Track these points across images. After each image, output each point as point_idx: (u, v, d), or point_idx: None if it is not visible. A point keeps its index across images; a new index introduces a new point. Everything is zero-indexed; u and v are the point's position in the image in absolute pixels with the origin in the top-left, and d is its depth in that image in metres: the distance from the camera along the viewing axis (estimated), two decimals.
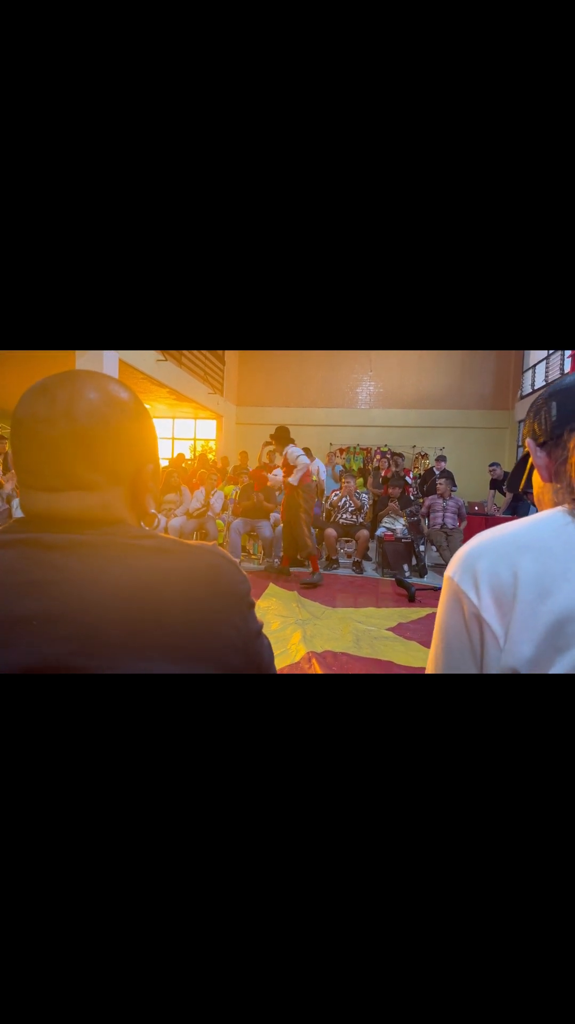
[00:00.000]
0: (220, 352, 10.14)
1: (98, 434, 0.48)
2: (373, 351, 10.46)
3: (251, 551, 5.93)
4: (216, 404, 10.08)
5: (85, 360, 5.59)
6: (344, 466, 8.92)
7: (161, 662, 0.43)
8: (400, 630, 3.42)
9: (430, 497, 5.89)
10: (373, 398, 11.19)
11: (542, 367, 8.99)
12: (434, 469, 7.43)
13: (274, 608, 3.79)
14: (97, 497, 0.49)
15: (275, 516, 5.52)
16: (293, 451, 4.69)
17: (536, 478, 0.63)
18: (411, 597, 4.23)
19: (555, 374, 8.42)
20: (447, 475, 6.32)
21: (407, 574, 5.18)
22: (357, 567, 5.35)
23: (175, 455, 9.12)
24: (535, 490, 0.64)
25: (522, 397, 10.05)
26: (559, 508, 0.52)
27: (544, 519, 0.52)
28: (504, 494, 6.71)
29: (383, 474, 7.19)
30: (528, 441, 0.62)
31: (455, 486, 6.10)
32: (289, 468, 4.69)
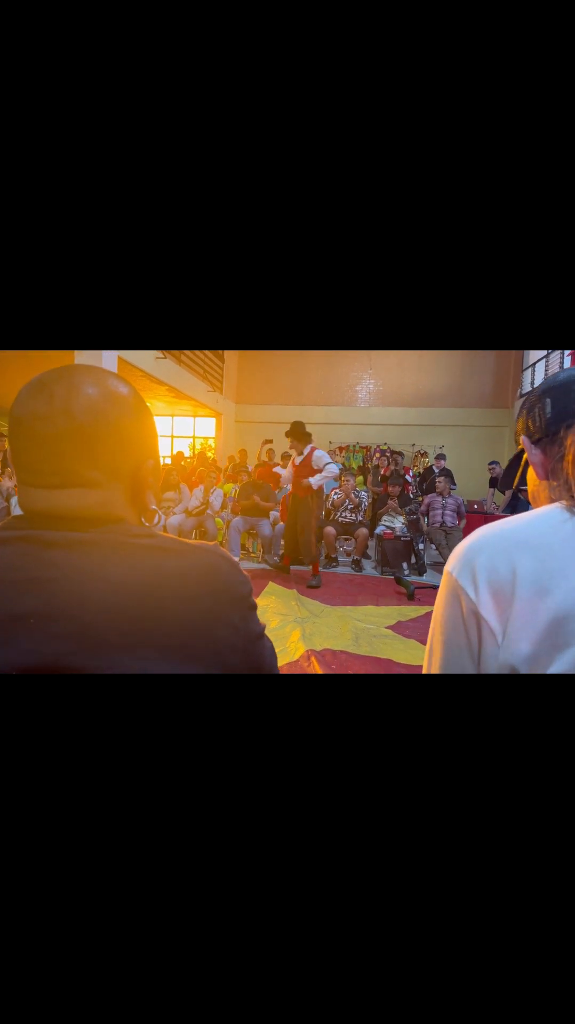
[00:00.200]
0: (219, 350, 10.12)
1: (97, 431, 0.48)
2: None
3: (250, 549, 5.93)
4: (215, 402, 10.06)
5: (84, 356, 5.56)
6: (344, 464, 8.91)
7: (159, 661, 0.43)
8: (399, 628, 3.41)
9: (429, 495, 5.89)
10: (372, 396, 11.17)
11: (542, 365, 8.97)
12: (433, 467, 7.41)
13: (273, 606, 3.79)
14: (97, 494, 0.48)
15: (274, 515, 5.52)
16: (322, 456, 4.45)
17: (531, 475, 0.63)
18: (410, 595, 4.23)
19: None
20: (446, 473, 6.31)
21: (406, 572, 5.18)
22: (356, 565, 5.34)
23: (174, 453, 9.11)
24: (530, 487, 0.64)
25: (522, 395, 10.00)
26: (556, 504, 0.52)
27: (542, 515, 0.51)
28: (503, 492, 6.71)
29: (382, 472, 7.19)
30: (522, 439, 0.62)
31: (454, 484, 6.09)
32: (305, 469, 4.47)
